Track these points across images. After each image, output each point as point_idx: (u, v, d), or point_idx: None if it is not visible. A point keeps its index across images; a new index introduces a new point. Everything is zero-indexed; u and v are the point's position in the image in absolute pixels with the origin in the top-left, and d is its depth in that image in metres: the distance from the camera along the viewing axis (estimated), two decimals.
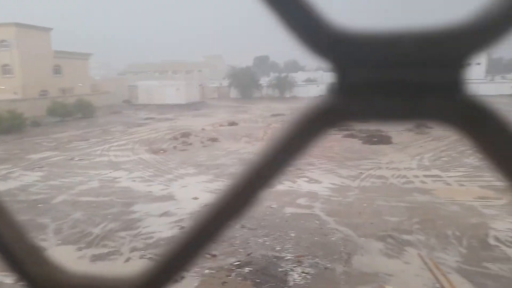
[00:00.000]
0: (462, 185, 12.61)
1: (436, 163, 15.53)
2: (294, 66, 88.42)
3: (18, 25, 44.28)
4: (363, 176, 13.84)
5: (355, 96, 0.24)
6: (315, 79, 64.82)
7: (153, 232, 9.27)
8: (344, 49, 0.23)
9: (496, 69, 75.80)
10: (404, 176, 13.69)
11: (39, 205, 11.36)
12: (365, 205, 10.86)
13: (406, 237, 8.71)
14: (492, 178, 13.25)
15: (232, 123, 28.90)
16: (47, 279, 0.29)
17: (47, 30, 48.80)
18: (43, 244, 8.76)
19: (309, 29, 0.23)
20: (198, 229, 0.28)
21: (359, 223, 9.58)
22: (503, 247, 8.07)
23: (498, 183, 12.61)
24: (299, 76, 65.65)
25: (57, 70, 49.21)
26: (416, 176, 13.62)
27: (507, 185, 0.23)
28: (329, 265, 7.54)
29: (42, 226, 9.77)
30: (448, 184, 12.76)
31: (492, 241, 8.34)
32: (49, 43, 48.75)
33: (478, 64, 61.74)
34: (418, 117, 0.24)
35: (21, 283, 0.29)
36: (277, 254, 8.06)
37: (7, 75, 44.31)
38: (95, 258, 8.07)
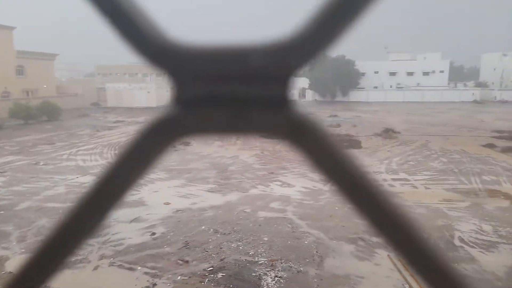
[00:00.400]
0: (428, 188, 13.11)
1: (404, 167, 16.08)
2: None
3: None
4: None
5: (193, 110, 0.23)
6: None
7: (123, 239, 9.02)
8: (179, 62, 0.23)
9: (458, 77, 79.71)
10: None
11: (1, 212, 10.79)
12: (336, 208, 11.07)
13: (376, 239, 8.95)
14: (456, 181, 13.89)
15: None
16: None
17: (9, 28, 46.59)
18: (5, 253, 8.32)
19: (140, 38, 0.22)
20: (52, 241, 0.27)
21: (330, 226, 9.75)
22: (467, 248, 8.46)
23: (462, 186, 13.23)
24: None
25: (20, 71, 47.04)
26: (385, 180, 14.04)
27: (328, 184, 0.25)
28: (302, 269, 7.61)
29: (5, 234, 9.28)
30: (415, 187, 13.23)
31: (457, 242, 8.72)
32: (11, 42, 46.55)
33: (442, 72, 64.64)
34: (250, 131, 0.24)
35: None
36: (251, 259, 8.05)
37: None
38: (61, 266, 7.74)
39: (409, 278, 7.08)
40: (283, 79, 0.24)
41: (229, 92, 0.24)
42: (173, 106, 0.24)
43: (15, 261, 7.98)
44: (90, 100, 50.81)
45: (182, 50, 0.23)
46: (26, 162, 17.26)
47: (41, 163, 16.94)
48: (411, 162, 16.87)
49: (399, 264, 7.62)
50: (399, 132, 24.48)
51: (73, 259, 8.02)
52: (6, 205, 11.38)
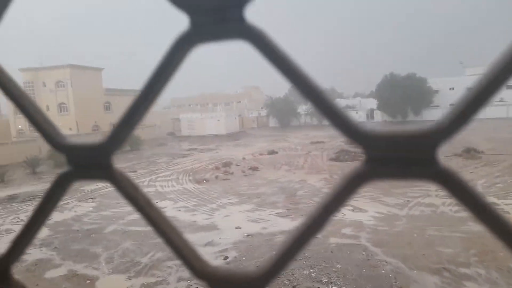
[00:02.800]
0: None
1: (491, 189, 14.57)
2: (332, 93, 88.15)
3: (72, 66, 48.36)
4: (410, 204, 13.25)
5: (378, 166, 0.39)
6: (353, 106, 64.17)
7: None
8: (368, 141, 0.39)
9: None
10: (456, 204, 12.92)
11: (92, 235, 11.93)
12: (415, 235, 10.35)
13: (463, 270, 8.14)
14: None
15: (272, 152, 29.07)
16: (201, 269, 0.44)
17: (98, 70, 52.73)
18: (95, 273, 9.14)
19: (346, 126, 0.39)
20: (289, 244, 0.42)
21: (409, 254, 9.11)
22: None
23: None
24: (338, 103, 65.07)
25: (107, 107, 52.61)
26: None
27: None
28: None
29: (95, 255, 10.22)
30: (507, 212, 11.87)
31: None
32: (101, 81, 52.50)
33: None
34: (416, 179, 0.39)
35: (188, 270, 0.44)
36: (324, 287, 7.82)
37: (63, 113, 48.05)
38: (144, 287, 8.26)
39: None
40: (434, 149, 0.38)
41: (402, 157, 0.39)
42: (365, 164, 0.39)
43: (105, 281, 8.72)
44: (167, 130, 54.68)
45: (368, 132, 0.39)
46: (112, 189, 18.90)
47: None
48: (499, 185, 15.23)
49: None
50: (482, 152, 22.35)
51: (155, 281, 8.53)
52: (96, 229, 12.56)
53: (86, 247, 10.87)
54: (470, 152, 21.61)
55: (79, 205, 15.78)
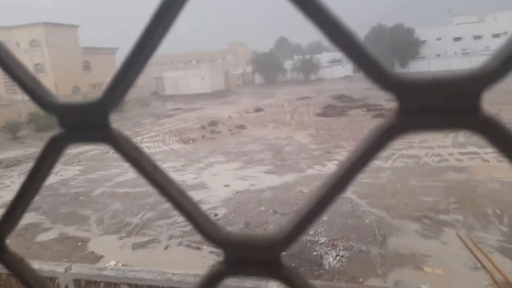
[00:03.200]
0: (501, 161, 12.09)
1: (472, 139, 14.92)
2: (318, 47, 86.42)
3: (46, 24, 45.78)
4: (394, 156, 13.55)
5: (413, 117, 0.35)
6: (340, 60, 63.27)
7: None
8: (402, 88, 0.34)
9: None
10: (438, 155, 13.29)
11: (80, 198, 11.95)
12: (398, 186, 10.68)
13: (443, 217, 8.53)
14: None
15: (258, 109, 28.92)
16: (215, 235, 0.41)
17: (74, 27, 50.13)
18: (87, 234, 9.26)
19: (377, 73, 0.35)
20: (311, 204, 0.38)
21: (392, 204, 9.46)
22: None
23: None
24: (324, 57, 64.05)
25: (86, 66, 50.72)
26: (451, 154, 13.19)
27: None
28: (364, 248, 7.53)
29: (85, 217, 10.31)
30: (486, 160, 12.28)
31: None
32: (77, 40, 50.14)
33: None
34: (456, 130, 0.34)
35: (201, 236, 0.42)
36: (311, 238, 8.12)
37: (40, 74, 46.18)
38: (136, 246, 8.44)
39: (482, 258, 6.69)
40: (478, 95, 0.33)
41: (436, 105, 0.34)
42: (397, 116, 0.35)
43: (97, 242, 8.87)
44: (150, 90, 53.43)
45: (401, 78, 0.34)
46: (98, 151, 18.78)
47: (111, 152, 18.30)
48: None
49: (469, 243, 7.22)
50: None
51: (146, 240, 8.71)
52: (83, 192, 12.56)
53: (75, 210, 10.92)
54: None
55: (65, 169, 15.65)
